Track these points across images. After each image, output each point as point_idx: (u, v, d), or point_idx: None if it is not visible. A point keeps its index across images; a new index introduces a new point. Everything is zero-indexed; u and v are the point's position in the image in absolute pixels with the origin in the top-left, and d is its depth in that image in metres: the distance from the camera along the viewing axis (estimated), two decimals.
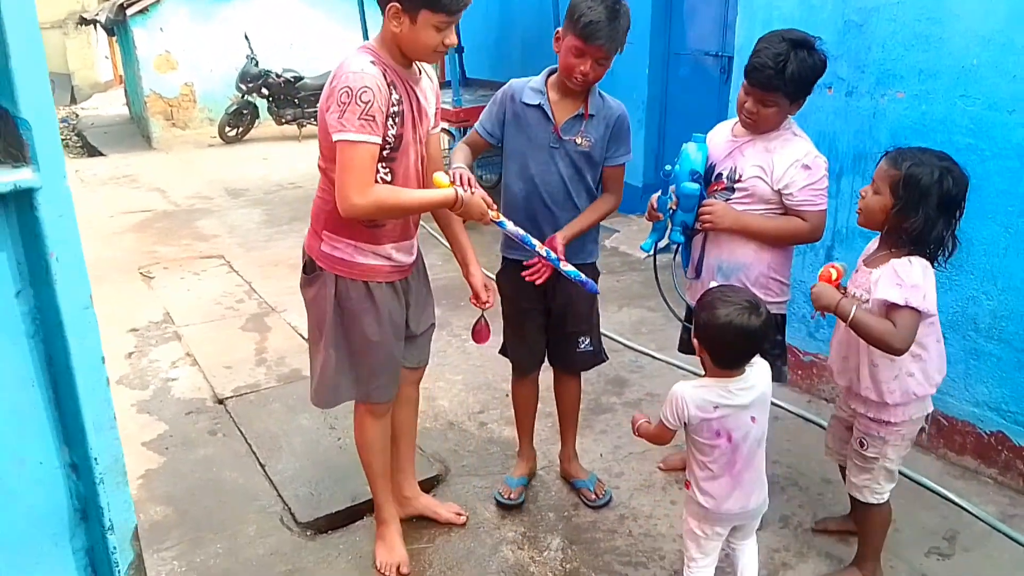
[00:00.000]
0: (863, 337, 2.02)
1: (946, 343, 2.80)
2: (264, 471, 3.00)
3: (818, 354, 3.36)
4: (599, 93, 2.46)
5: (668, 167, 2.45)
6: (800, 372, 3.44)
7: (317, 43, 10.69)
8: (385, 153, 2.05)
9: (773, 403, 3.07)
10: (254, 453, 3.12)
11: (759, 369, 1.97)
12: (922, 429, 2.94)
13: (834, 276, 2.06)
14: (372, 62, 2.00)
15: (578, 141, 2.40)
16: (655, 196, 2.49)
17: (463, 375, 3.75)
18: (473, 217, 2.18)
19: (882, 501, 2.23)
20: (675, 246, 2.50)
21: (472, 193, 2.16)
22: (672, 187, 2.41)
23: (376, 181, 2.06)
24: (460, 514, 2.69)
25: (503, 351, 2.80)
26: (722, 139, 2.47)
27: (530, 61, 6.89)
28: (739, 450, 1.94)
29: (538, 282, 2.39)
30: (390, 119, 2.02)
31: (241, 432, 3.28)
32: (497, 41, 7.39)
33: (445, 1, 1.96)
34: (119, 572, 1.06)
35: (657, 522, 2.67)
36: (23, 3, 0.84)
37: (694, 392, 1.92)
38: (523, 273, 2.43)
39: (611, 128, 2.44)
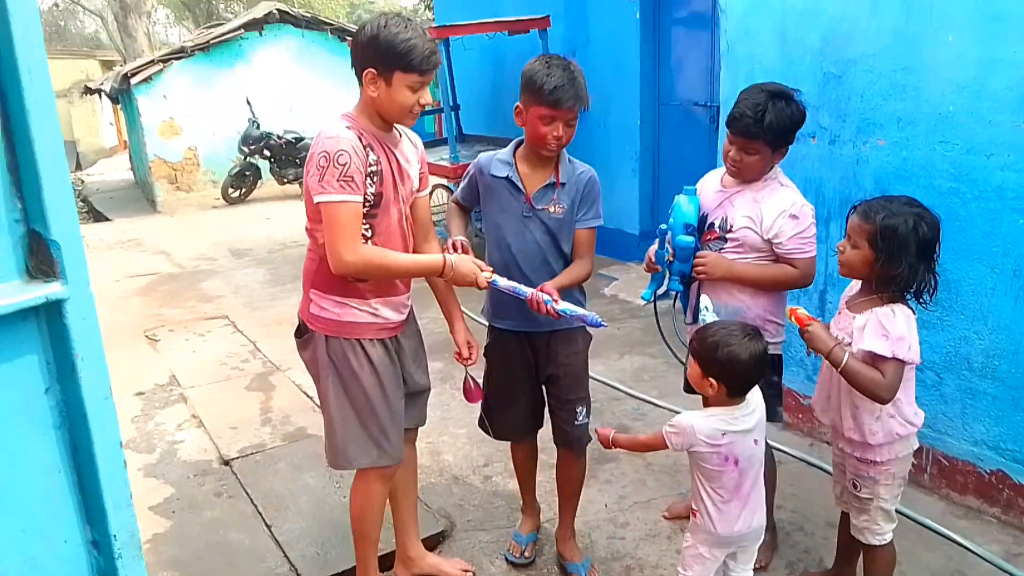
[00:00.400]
0: (851, 383, 2.06)
1: (941, 383, 2.88)
2: (270, 531, 3.01)
3: None
4: (568, 159, 2.51)
5: (663, 226, 2.56)
6: (801, 416, 3.46)
7: (316, 105, 10.95)
8: (366, 210, 2.14)
9: (776, 447, 3.12)
10: (260, 514, 3.14)
11: (756, 394, 2.06)
12: (923, 470, 2.99)
13: (794, 316, 2.13)
14: (348, 127, 2.10)
15: (551, 209, 2.45)
16: (652, 249, 2.60)
17: (467, 428, 3.77)
18: (465, 282, 2.25)
19: (884, 542, 2.24)
20: (674, 294, 2.58)
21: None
22: (668, 239, 2.51)
23: None
24: (467, 571, 2.70)
25: (481, 423, 2.79)
26: (712, 189, 2.57)
27: None
28: (745, 473, 2.02)
29: (541, 311, 2.32)
30: (368, 178, 2.11)
31: (247, 493, 3.30)
32: (492, 97, 7.59)
33: (416, 62, 2.06)
34: None
35: (663, 572, 2.67)
36: (53, 141, 0.96)
37: (704, 422, 1.99)
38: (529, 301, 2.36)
39: (581, 192, 2.48)
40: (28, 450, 1.05)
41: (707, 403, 2.05)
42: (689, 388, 2.73)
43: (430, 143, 7.68)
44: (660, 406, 3.87)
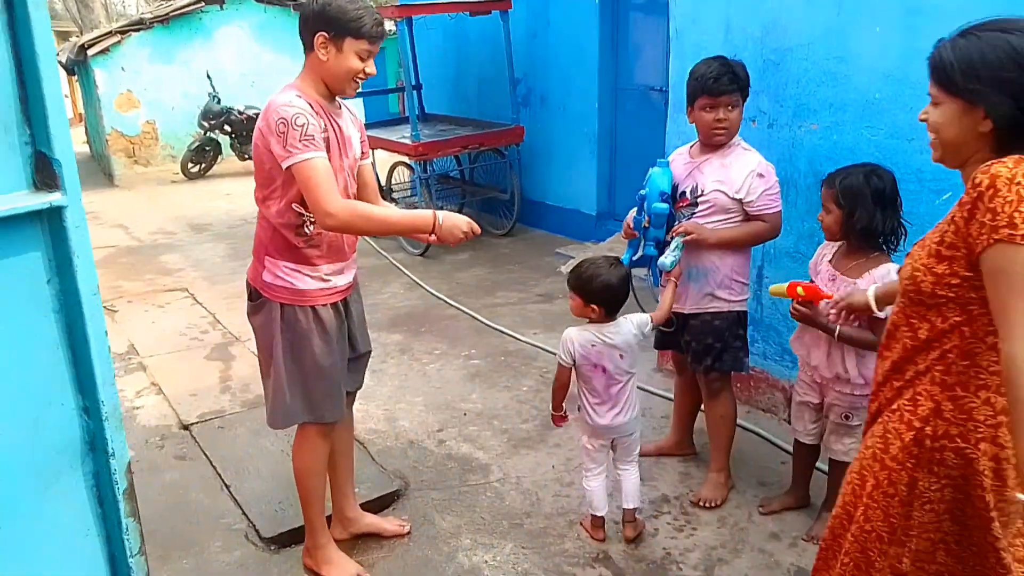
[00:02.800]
0: (850, 344, 2.41)
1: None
2: (230, 492, 3.12)
3: (755, 368, 3.60)
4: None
5: (642, 191, 2.81)
6: (739, 385, 3.66)
7: (278, 81, 10.75)
8: None
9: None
10: (220, 476, 3.24)
11: (626, 324, 2.60)
12: None
13: (801, 292, 2.45)
14: (297, 95, 2.19)
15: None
16: (630, 215, 2.86)
17: (423, 396, 3.92)
18: (453, 238, 2.25)
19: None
20: (648, 259, 2.83)
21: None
22: (644, 207, 2.77)
23: (303, 203, 2.21)
24: (403, 525, 2.85)
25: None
26: (681, 162, 2.84)
27: (487, 97, 7.18)
28: (612, 379, 2.58)
29: None
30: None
31: (207, 456, 3.40)
32: (455, 78, 7.67)
33: (366, 29, 2.17)
34: (118, 492, 1.36)
35: (605, 527, 2.85)
36: (54, 81, 1.19)
37: (580, 334, 2.58)
38: None
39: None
40: (33, 329, 1.28)
41: (591, 322, 2.58)
42: (661, 344, 3.08)
43: (393, 121, 7.75)
44: None
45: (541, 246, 6.42)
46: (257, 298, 2.41)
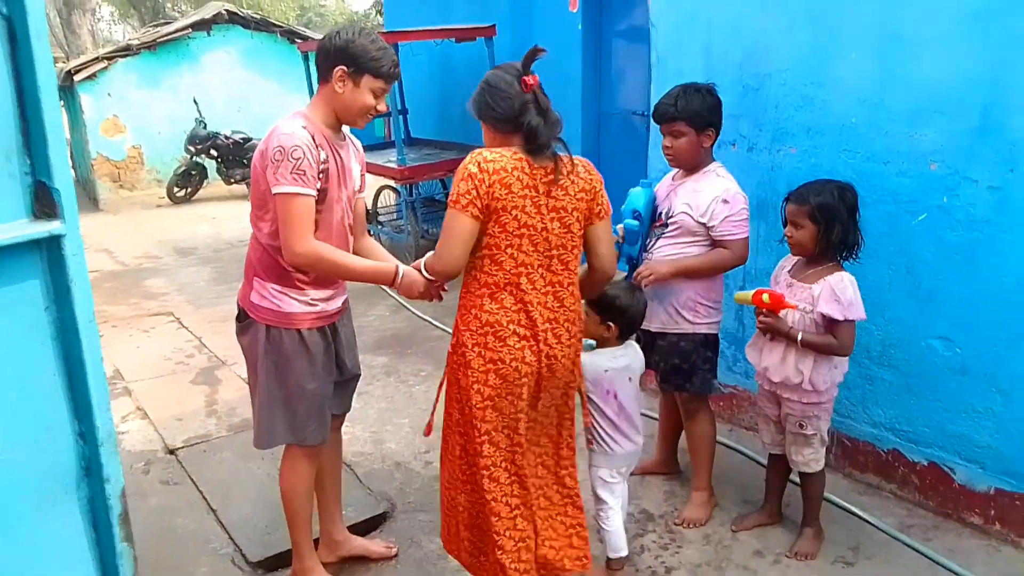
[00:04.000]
0: (813, 350, 2.49)
1: (845, 372, 3.13)
2: (216, 516, 3.11)
3: (736, 386, 3.64)
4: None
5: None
6: (721, 404, 3.70)
7: (264, 107, 10.95)
8: None
9: None
10: (206, 500, 3.22)
11: (633, 348, 2.60)
12: (829, 450, 3.26)
13: (766, 299, 2.53)
14: (303, 126, 2.24)
15: None
16: None
17: (410, 418, 3.92)
18: (411, 295, 2.33)
19: (821, 467, 2.70)
20: (622, 275, 2.90)
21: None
22: (621, 225, 2.87)
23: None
24: (390, 547, 2.85)
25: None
26: (665, 185, 2.94)
27: (471, 121, 7.24)
28: (625, 403, 2.53)
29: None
30: (319, 175, 2.25)
31: (193, 481, 3.38)
32: (440, 102, 7.74)
33: (385, 69, 2.26)
34: (113, 517, 1.37)
35: (592, 547, 2.85)
36: (54, 113, 1.24)
37: (591, 358, 2.50)
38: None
39: None
40: (32, 355, 1.31)
41: (599, 346, 2.57)
42: (687, 388, 3.03)
43: (379, 146, 7.80)
44: None
45: None
46: (245, 319, 2.43)
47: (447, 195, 8.33)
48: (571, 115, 6.22)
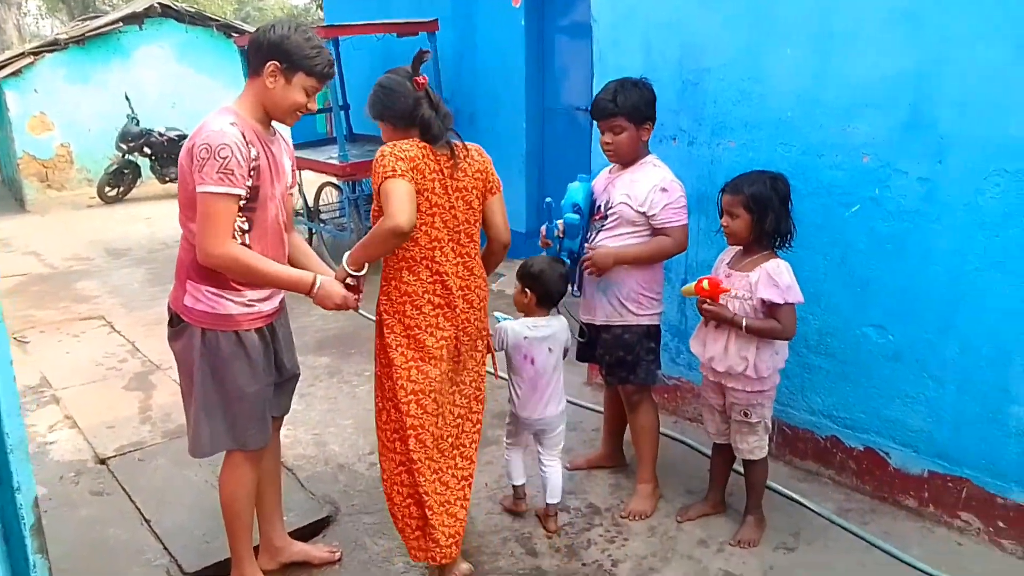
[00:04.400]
0: (757, 335, 2.54)
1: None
2: (150, 526, 3.00)
3: (680, 378, 3.68)
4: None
5: (548, 199, 2.99)
6: (665, 395, 3.73)
7: (199, 102, 10.60)
8: (243, 204, 2.20)
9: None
10: (139, 510, 3.11)
11: (559, 321, 2.82)
12: (771, 439, 3.31)
13: (706, 286, 2.57)
14: (232, 123, 2.16)
15: None
16: (544, 227, 2.96)
17: (353, 419, 3.85)
18: (328, 306, 2.33)
19: (765, 453, 2.75)
20: (566, 268, 2.92)
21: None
22: (561, 219, 2.90)
23: (233, 229, 2.19)
24: (333, 552, 2.79)
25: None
26: (602, 179, 2.96)
27: None
28: (540, 372, 2.75)
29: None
30: (249, 173, 2.19)
31: (125, 490, 3.25)
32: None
33: (319, 68, 2.22)
34: (25, 528, 1.31)
35: (536, 542, 2.85)
36: None
37: (512, 325, 2.77)
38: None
39: None
40: None
41: (526, 315, 2.80)
42: (581, 357, 3.13)
43: (320, 142, 7.66)
44: None
45: None
46: (178, 323, 2.34)
47: None
48: (515, 110, 6.22)
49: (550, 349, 2.77)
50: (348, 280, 2.36)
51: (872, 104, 2.82)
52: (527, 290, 2.77)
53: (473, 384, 2.60)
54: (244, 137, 2.16)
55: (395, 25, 6.31)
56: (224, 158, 2.10)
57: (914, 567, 2.63)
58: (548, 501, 2.88)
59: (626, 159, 2.84)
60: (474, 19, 6.48)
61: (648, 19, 3.54)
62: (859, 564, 2.68)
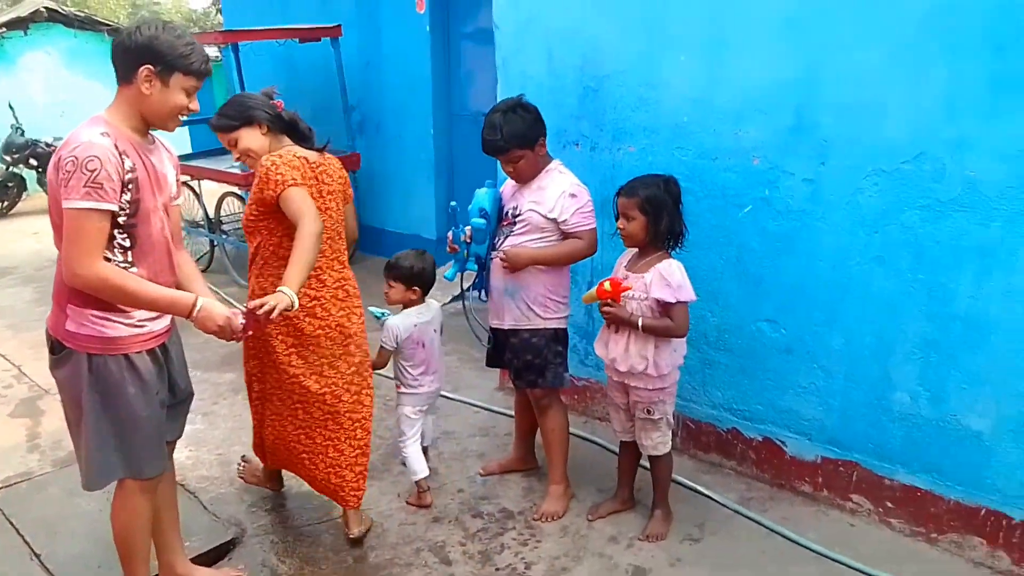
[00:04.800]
0: (653, 334, 2.60)
1: (686, 357, 3.26)
2: (40, 560, 2.82)
3: (589, 379, 3.74)
4: None
5: (453, 203, 3.04)
6: (575, 396, 3.79)
7: (90, 110, 9.97)
8: (122, 220, 2.08)
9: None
10: (28, 544, 2.91)
11: (434, 304, 3.13)
12: (676, 434, 3.41)
13: (608, 287, 2.62)
14: (103, 133, 2.04)
15: None
16: (450, 232, 2.98)
17: None
18: (209, 329, 2.16)
19: (668, 449, 2.83)
20: (474, 274, 3.02)
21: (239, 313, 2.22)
22: (468, 231, 2.93)
23: (114, 247, 2.08)
24: (240, 572, 2.71)
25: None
26: (510, 185, 2.99)
27: (321, 125, 7.02)
28: (430, 350, 3.02)
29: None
30: (124, 187, 2.05)
31: (12, 524, 3.04)
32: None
33: (195, 66, 2.11)
34: None
35: (450, 550, 2.84)
36: None
37: (402, 319, 3.01)
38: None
39: None
40: None
41: (405, 307, 3.04)
42: (491, 363, 3.17)
43: (221, 150, 7.40)
44: (452, 399, 4.04)
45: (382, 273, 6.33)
46: (60, 350, 2.18)
47: None
48: (422, 117, 6.19)
49: (435, 330, 3.06)
50: (267, 313, 2.20)
51: (760, 109, 2.94)
52: (416, 288, 3.01)
53: (362, 365, 2.84)
54: (117, 148, 2.03)
55: (297, 31, 6.19)
56: (92, 171, 1.97)
57: (811, 550, 2.76)
58: (424, 444, 3.22)
59: (531, 178, 2.88)
60: (379, 25, 6.42)
61: (549, 26, 3.58)
62: (760, 551, 2.79)
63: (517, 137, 2.76)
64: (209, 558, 2.80)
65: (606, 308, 2.67)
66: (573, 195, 2.80)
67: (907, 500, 2.83)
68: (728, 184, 3.09)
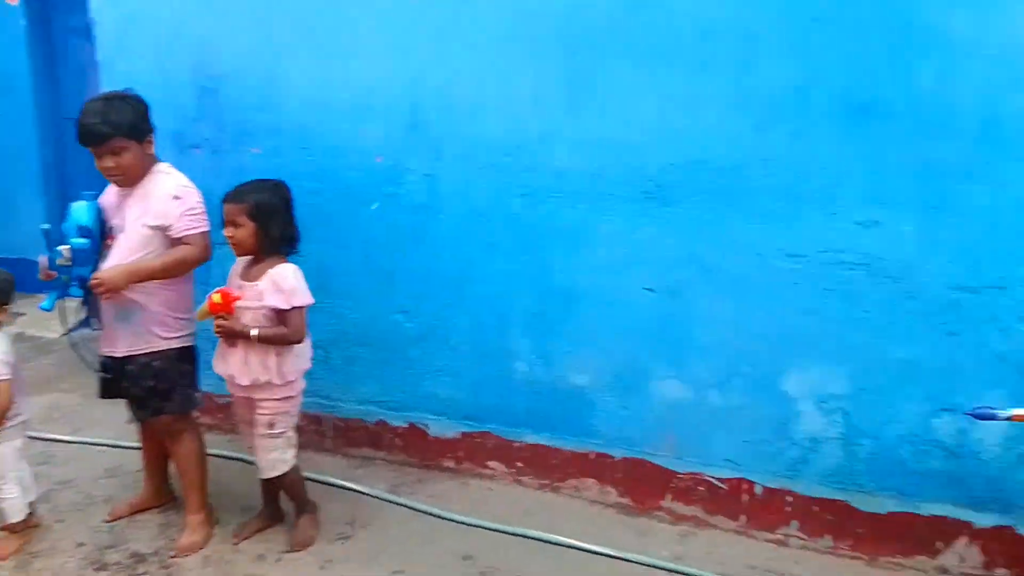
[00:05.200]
0: (270, 344, 2.48)
1: (328, 357, 3.29)
2: None
3: (217, 394, 3.52)
4: None
5: (45, 225, 2.63)
6: (221, 415, 3.55)
7: None
8: None
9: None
10: None
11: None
12: (325, 435, 3.41)
13: (217, 299, 2.48)
14: None
15: None
16: (44, 257, 2.56)
17: None
18: None
19: (292, 465, 2.72)
20: (79, 300, 2.62)
21: None
22: (66, 249, 2.53)
23: None
24: None
25: None
26: (113, 196, 2.66)
27: None
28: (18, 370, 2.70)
29: None
30: None
31: None
32: None
33: None
34: None
35: None
36: None
37: (3, 340, 2.63)
38: None
39: None
40: None
41: None
42: (106, 394, 2.83)
43: None
44: (72, 442, 3.54)
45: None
46: None
47: None
48: (21, 121, 5.38)
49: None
50: None
51: (379, 108, 3.04)
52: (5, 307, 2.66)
53: None
54: None
55: None
56: None
57: (454, 520, 2.94)
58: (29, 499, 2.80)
59: (137, 179, 2.59)
60: None
61: (155, 22, 3.33)
62: (409, 533, 2.89)
63: (123, 126, 2.48)
64: None
65: (219, 323, 2.52)
66: (177, 197, 2.57)
67: (534, 458, 3.16)
68: (354, 182, 3.16)
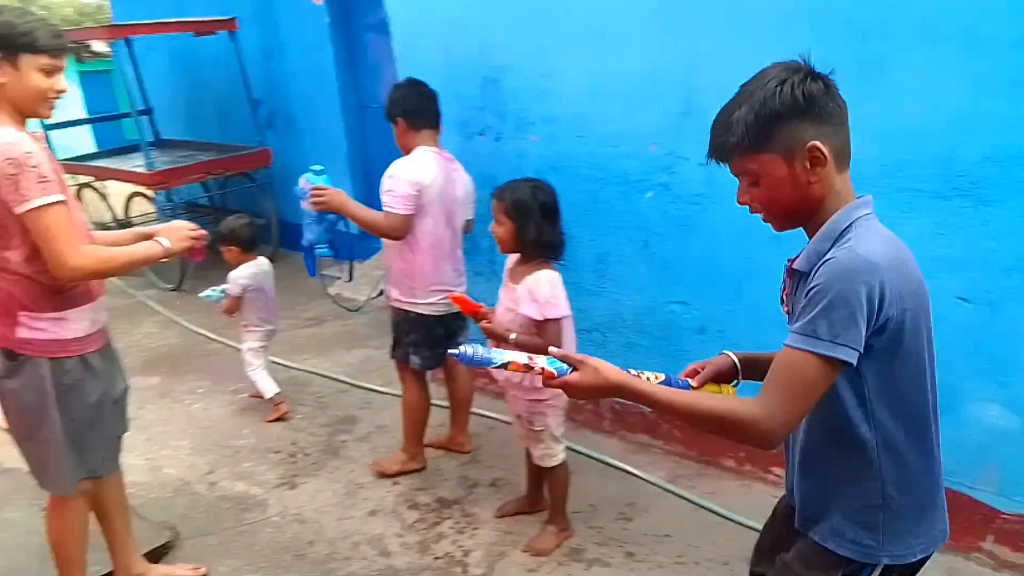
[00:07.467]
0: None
1: (607, 341, 3.37)
2: None
3: None
4: None
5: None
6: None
7: None
8: None
9: (486, 415, 3.57)
10: None
11: (263, 260, 3.94)
12: (603, 417, 3.52)
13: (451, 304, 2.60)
14: (16, 130, 2.03)
15: None
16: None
17: (189, 439, 3.73)
18: (183, 246, 2.36)
19: (559, 462, 2.74)
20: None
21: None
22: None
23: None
24: (197, 568, 2.76)
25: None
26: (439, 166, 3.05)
27: (228, 120, 6.87)
28: (269, 296, 3.95)
29: None
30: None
31: None
32: (189, 101, 7.27)
33: (42, 42, 2.01)
34: None
35: (388, 542, 2.92)
36: None
37: (242, 272, 3.78)
38: None
39: None
40: None
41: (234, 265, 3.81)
42: (393, 356, 3.23)
43: (124, 149, 7.18)
44: (385, 392, 4.08)
45: (304, 269, 6.27)
46: (14, 359, 2.17)
47: (211, 199, 7.94)
48: (330, 109, 6.12)
49: (272, 280, 3.86)
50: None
51: (653, 96, 3.02)
52: (232, 246, 3.80)
53: None
54: (37, 145, 2.04)
55: (190, 24, 6.02)
56: (35, 166, 1.98)
57: (739, 522, 2.93)
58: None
59: (406, 150, 3.08)
60: (276, 17, 6.30)
61: (444, 17, 3.60)
62: (690, 526, 2.94)
63: (397, 108, 3.11)
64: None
65: (481, 324, 2.54)
66: (390, 176, 2.93)
67: None
68: (630, 170, 3.16)
